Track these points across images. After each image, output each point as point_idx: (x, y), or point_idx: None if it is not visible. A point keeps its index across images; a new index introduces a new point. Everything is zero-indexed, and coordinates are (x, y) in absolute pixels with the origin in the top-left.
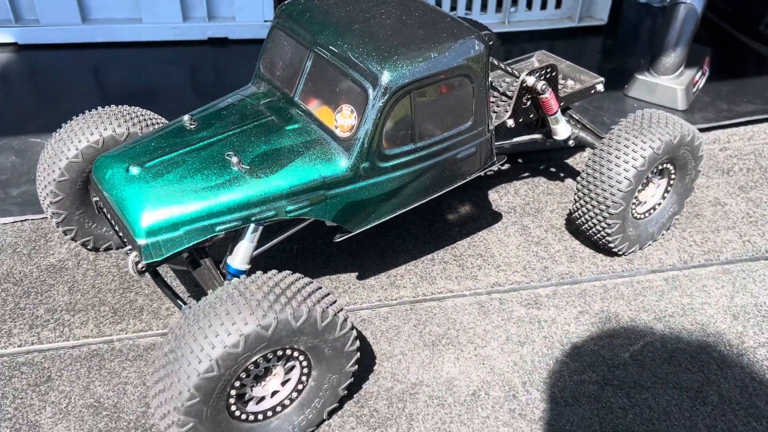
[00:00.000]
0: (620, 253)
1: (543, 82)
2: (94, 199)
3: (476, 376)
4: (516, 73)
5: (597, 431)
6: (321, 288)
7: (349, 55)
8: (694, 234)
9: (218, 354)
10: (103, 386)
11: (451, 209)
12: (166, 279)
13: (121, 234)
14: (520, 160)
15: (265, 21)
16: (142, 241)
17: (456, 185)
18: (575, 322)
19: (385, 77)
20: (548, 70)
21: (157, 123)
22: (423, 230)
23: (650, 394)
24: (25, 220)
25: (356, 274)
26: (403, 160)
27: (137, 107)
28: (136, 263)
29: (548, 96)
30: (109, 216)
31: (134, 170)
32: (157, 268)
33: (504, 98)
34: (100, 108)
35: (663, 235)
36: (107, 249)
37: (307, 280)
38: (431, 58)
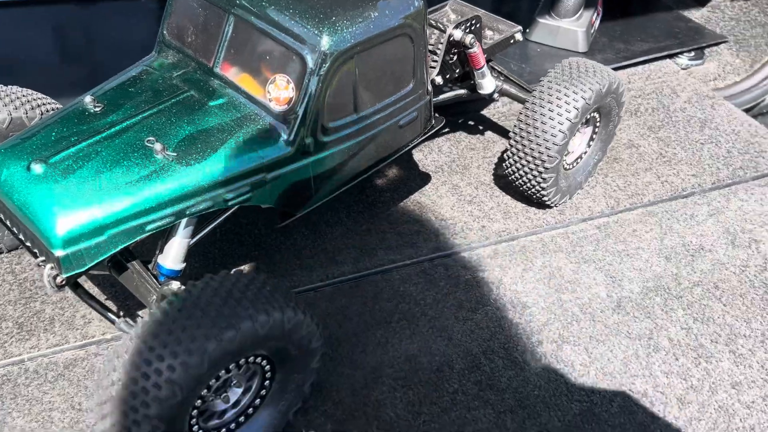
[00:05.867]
0: (553, 205)
1: (471, 36)
2: None
3: (436, 350)
4: (441, 26)
5: (564, 392)
6: (280, 285)
7: (279, 17)
8: (616, 179)
9: (179, 376)
10: (23, 417)
11: (379, 174)
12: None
13: (29, 244)
14: (437, 115)
15: None
16: (59, 252)
17: (400, 153)
18: (521, 280)
19: (325, 42)
20: (473, 22)
21: (45, 104)
22: (354, 199)
23: (606, 347)
24: None
25: (291, 254)
26: (347, 131)
27: (15, 86)
28: (54, 277)
29: (476, 50)
30: (9, 223)
31: (37, 168)
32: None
33: (429, 54)
34: None
35: (588, 182)
36: None
37: (263, 277)
38: (371, 18)
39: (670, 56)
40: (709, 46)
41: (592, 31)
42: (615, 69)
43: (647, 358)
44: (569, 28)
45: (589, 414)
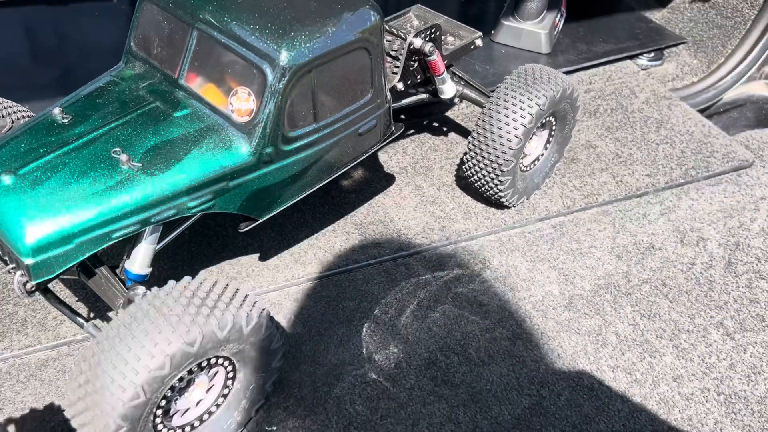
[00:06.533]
0: (510, 205)
1: (430, 44)
2: None
3: (395, 347)
4: (402, 34)
5: (515, 387)
6: (239, 290)
7: (240, 32)
8: (573, 179)
9: (143, 379)
10: None
11: (345, 176)
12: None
13: (0, 252)
14: (402, 116)
15: None
16: (29, 261)
17: (360, 160)
18: (479, 279)
19: (284, 57)
20: (433, 30)
21: (15, 112)
22: (320, 200)
23: (557, 343)
24: None
25: (258, 255)
26: (306, 141)
27: None
28: (24, 283)
29: (436, 57)
30: None
31: (6, 179)
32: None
33: (390, 60)
34: None
35: (546, 182)
36: None
37: (223, 283)
38: (329, 33)
39: (631, 57)
40: (668, 47)
41: (555, 32)
42: (577, 70)
43: (595, 353)
44: (532, 30)
45: (538, 407)
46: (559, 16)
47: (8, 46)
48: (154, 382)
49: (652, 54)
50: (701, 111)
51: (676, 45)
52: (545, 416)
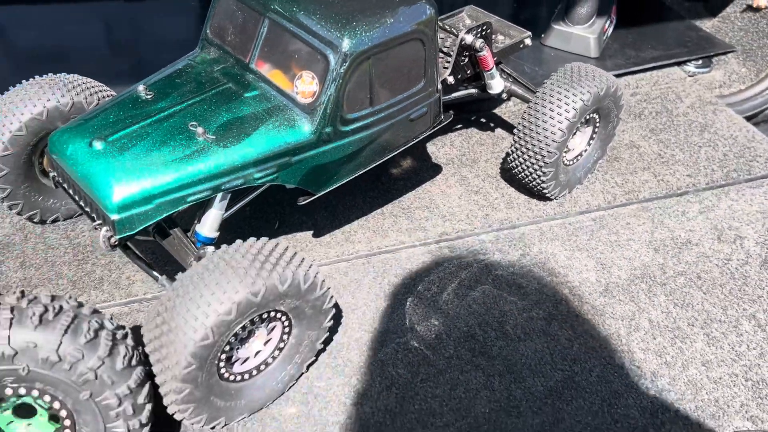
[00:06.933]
0: (552, 197)
1: (481, 40)
2: (51, 174)
3: (436, 320)
4: (455, 31)
5: (548, 362)
6: (297, 253)
7: (307, 21)
8: (615, 176)
9: (212, 322)
10: None
11: (394, 164)
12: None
13: (88, 209)
14: (451, 112)
15: None
16: (115, 216)
17: (410, 144)
18: (518, 264)
19: (346, 44)
20: (484, 28)
21: (101, 91)
22: (370, 185)
23: (591, 326)
24: None
25: (311, 232)
26: (362, 123)
27: (76, 75)
28: (108, 238)
29: (485, 53)
30: (71, 191)
31: (98, 145)
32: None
33: (442, 55)
34: (38, 77)
35: (588, 178)
36: (54, 221)
37: (284, 245)
38: (387, 24)
39: (678, 63)
40: (717, 55)
41: (604, 37)
42: (624, 74)
43: (627, 336)
44: (582, 34)
45: (569, 381)
46: (608, 22)
47: (91, 37)
48: (222, 326)
49: (700, 61)
50: (748, 119)
51: (725, 53)
52: (576, 389)
